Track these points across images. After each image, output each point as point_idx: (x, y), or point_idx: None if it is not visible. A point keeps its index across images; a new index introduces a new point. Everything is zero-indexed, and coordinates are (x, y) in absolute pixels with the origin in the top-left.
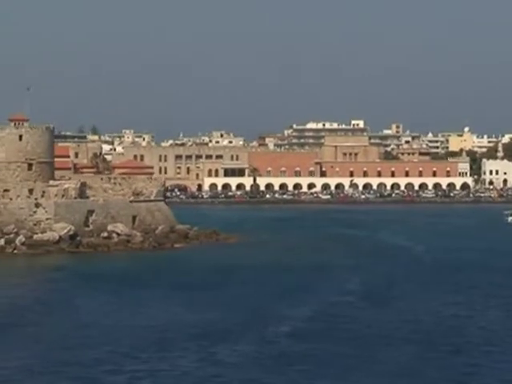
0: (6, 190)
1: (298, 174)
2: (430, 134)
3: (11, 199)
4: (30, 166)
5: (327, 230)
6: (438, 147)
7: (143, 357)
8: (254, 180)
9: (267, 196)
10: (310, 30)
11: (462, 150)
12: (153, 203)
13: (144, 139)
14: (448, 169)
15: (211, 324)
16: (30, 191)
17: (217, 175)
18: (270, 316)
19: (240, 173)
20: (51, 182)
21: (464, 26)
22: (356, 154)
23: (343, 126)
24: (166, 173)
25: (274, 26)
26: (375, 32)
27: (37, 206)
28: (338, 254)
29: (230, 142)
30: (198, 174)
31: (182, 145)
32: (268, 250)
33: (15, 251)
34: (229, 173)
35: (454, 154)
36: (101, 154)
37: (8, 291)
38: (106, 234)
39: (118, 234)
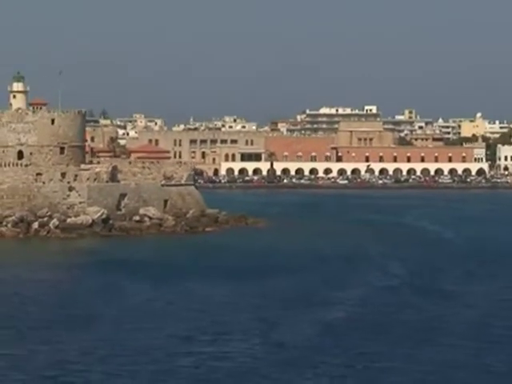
0: (38, 174)
1: (314, 159)
2: (441, 120)
3: (44, 183)
4: (62, 149)
5: (352, 215)
6: (449, 133)
7: (205, 339)
8: (272, 165)
9: (284, 181)
10: (321, 17)
11: (474, 135)
12: (183, 187)
13: (156, 124)
14: (464, 154)
15: (265, 308)
16: (63, 175)
17: (234, 160)
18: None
19: (256, 157)
20: (83, 166)
21: (475, 11)
22: (371, 140)
23: (356, 112)
24: (180, 157)
25: (286, 9)
26: (388, 16)
27: (70, 189)
28: (370, 239)
29: (244, 127)
30: (214, 159)
31: (195, 129)
32: (299, 235)
33: (49, 234)
34: (245, 157)
35: (466, 140)
36: (117, 138)
37: (52, 274)
38: (137, 218)
39: (150, 218)
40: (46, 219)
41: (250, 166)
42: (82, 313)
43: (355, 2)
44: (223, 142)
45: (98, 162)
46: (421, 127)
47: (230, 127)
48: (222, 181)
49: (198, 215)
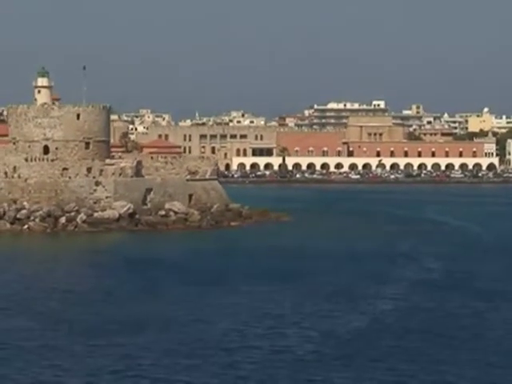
0: (64, 169)
1: (325, 153)
2: (446, 115)
3: (70, 178)
4: (87, 144)
5: (372, 210)
6: (456, 128)
7: (264, 333)
8: (284, 160)
9: (297, 176)
10: (328, 12)
11: (482, 130)
12: (207, 182)
13: (164, 119)
14: (474, 149)
15: (313, 305)
16: (89, 170)
17: (245, 155)
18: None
19: (268, 152)
20: (107, 161)
21: (481, 6)
22: (381, 135)
23: (364, 107)
24: (190, 152)
25: (291, 6)
26: (395, 11)
27: (97, 184)
28: (399, 235)
29: (252, 122)
30: (226, 154)
31: (203, 124)
32: (326, 230)
33: (76, 229)
34: (257, 152)
35: (474, 135)
36: (128, 133)
37: (93, 271)
38: (163, 213)
39: (176, 213)
40: (73, 214)
41: (262, 161)
42: (138, 309)
43: None
44: (232, 136)
45: (120, 157)
46: (429, 122)
47: (239, 122)
48: (235, 175)
49: (222, 210)
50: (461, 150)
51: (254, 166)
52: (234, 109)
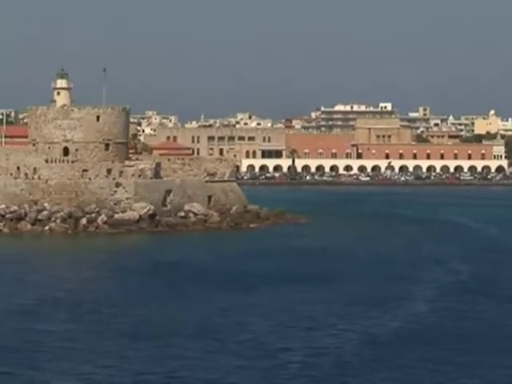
0: (84, 170)
1: (334, 155)
2: (451, 117)
3: (90, 179)
4: (107, 146)
5: (387, 212)
6: (462, 130)
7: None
8: (293, 162)
9: (307, 178)
10: (335, 14)
11: (488, 132)
12: (226, 183)
13: (170, 120)
14: (483, 151)
15: (347, 308)
16: (109, 171)
17: (254, 157)
18: None
19: (277, 154)
20: (126, 163)
21: (486, 9)
22: (389, 137)
23: (371, 109)
24: (198, 154)
25: (299, 8)
26: (401, 14)
27: (117, 185)
28: (420, 238)
29: (259, 124)
30: (235, 155)
31: (210, 126)
32: (346, 232)
33: (97, 230)
34: (265, 154)
35: (480, 137)
36: (137, 135)
37: (120, 277)
38: (183, 214)
39: (195, 214)
40: (93, 215)
41: (271, 163)
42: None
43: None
44: (240, 138)
45: (137, 159)
46: (436, 124)
47: (245, 124)
48: (245, 177)
49: (241, 211)
50: (469, 152)
51: (263, 167)
52: (239, 111)
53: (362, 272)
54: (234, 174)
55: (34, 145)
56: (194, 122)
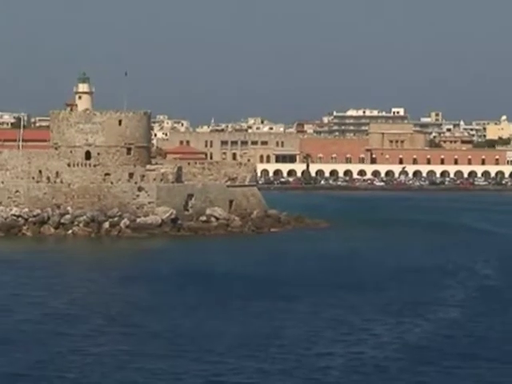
0: (107, 174)
1: (348, 160)
2: (462, 123)
3: (112, 183)
4: (128, 150)
5: (407, 217)
6: (473, 135)
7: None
8: (308, 166)
9: (321, 182)
10: (348, 19)
11: (500, 138)
12: (247, 188)
13: (182, 125)
14: (497, 157)
15: (384, 313)
16: (130, 175)
17: (268, 161)
18: None
19: (291, 159)
20: (148, 167)
21: (496, 13)
22: (402, 142)
23: (384, 114)
24: (211, 158)
25: (308, 12)
26: (413, 19)
27: (139, 189)
28: (444, 244)
29: (271, 129)
30: (249, 160)
31: (222, 130)
32: (370, 239)
33: (120, 234)
34: (280, 159)
35: (493, 142)
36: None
37: (149, 285)
38: (204, 218)
39: (217, 218)
40: (116, 219)
41: (285, 168)
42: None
43: (379, 4)
44: (254, 143)
45: (156, 163)
46: (449, 129)
47: (258, 129)
48: (259, 182)
49: (262, 216)
50: (483, 157)
51: (277, 172)
52: (250, 115)
53: (390, 277)
54: (254, 179)
55: (56, 149)
56: (206, 127)
